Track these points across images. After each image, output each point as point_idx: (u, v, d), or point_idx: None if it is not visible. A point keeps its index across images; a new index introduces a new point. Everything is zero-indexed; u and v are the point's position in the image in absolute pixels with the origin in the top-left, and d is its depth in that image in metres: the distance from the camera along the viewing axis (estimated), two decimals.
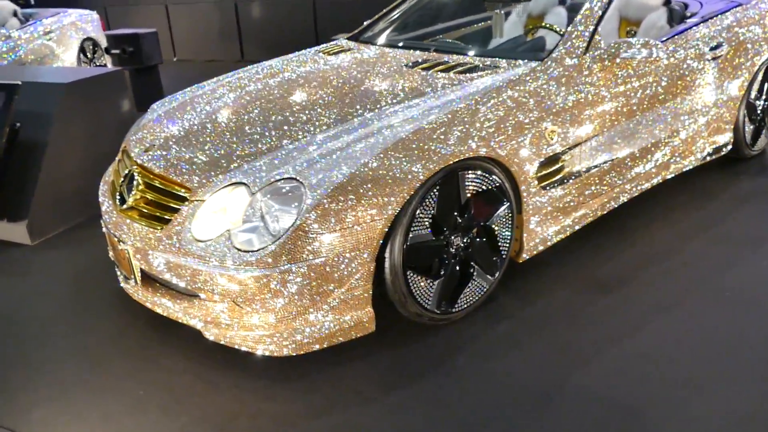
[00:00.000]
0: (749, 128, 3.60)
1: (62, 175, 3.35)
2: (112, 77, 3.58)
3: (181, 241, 2.04)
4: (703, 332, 2.22)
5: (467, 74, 2.54)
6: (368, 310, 2.08)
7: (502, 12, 3.48)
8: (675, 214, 3.13)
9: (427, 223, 2.11)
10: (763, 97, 3.64)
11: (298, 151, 2.13)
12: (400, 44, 3.23)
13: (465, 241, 2.25)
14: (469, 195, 2.22)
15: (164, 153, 2.32)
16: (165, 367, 2.18)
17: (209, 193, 2.06)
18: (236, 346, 2.07)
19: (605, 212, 2.82)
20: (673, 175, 3.18)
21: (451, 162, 2.11)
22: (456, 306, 2.28)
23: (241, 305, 2.00)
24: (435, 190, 2.10)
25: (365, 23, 3.66)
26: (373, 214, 1.96)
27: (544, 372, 2.06)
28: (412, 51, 2.99)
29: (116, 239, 2.27)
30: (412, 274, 2.12)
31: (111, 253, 2.49)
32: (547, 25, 3.10)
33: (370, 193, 1.96)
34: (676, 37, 3.06)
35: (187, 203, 2.09)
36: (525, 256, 2.48)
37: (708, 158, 3.40)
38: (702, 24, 3.25)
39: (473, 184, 2.21)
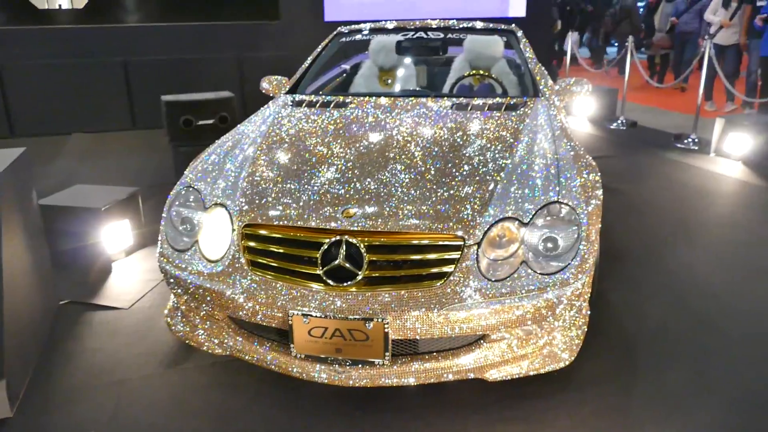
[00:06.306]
0: None
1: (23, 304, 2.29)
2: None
3: (475, 288, 1.95)
4: None
5: (516, 110, 2.96)
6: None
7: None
8: None
9: None
10: None
11: (508, 183, 2.24)
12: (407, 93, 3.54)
13: None
14: None
15: (375, 210, 2.07)
16: None
17: (479, 235, 2.03)
18: (524, 375, 2.11)
19: None
20: None
21: None
22: None
23: (532, 332, 2.06)
24: None
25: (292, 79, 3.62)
26: (600, 213, 2.29)
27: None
28: (421, 99, 3.21)
29: (353, 320, 1.92)
30: None
31: (301, 344, 2.00)
32: (486, 73, 3.75)
33: (599, 195, 2.30)
34: None
35: (460, 251, 2.00)
36: None
37: None
38: None
39: None
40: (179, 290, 2.24)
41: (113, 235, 3.29)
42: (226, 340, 2.22)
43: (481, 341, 2.05)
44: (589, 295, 2.31)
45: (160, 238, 2.36)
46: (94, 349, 2.54)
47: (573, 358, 2.16)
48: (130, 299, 2.94)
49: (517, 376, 2.11)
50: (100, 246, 3.22)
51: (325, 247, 2.02)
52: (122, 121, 7.34)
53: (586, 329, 2.25)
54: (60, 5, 6.96)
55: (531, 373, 2.12)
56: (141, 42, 7.23)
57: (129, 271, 3.26)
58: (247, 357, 2.18)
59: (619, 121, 7.14)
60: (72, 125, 7.09)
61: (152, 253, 3.50)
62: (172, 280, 2.25)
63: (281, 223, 2.11)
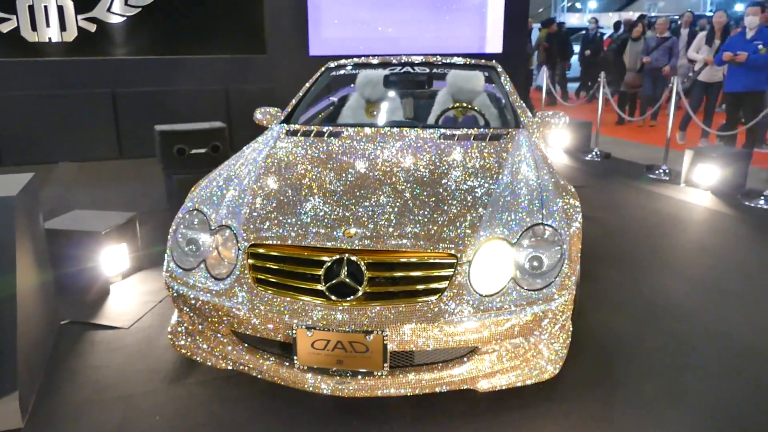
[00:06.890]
0: None
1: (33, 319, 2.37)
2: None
3: (467, 303, 2.10)
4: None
5: (500, 140, 3.18)
6: None
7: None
8: None
9: None
10: None
11: (496, 207, 2.40)
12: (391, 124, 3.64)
13: None
14: None
15: (374, 231, 2.23)
16: None
17: (471, 254, 2.18)
18: (512, 386, 2.24)
19: None
20: None
21: None
22: None
23: (520, 345, 2.21)
24: None
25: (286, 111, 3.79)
26: (580, 235, 2.48)
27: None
28: (409, 129, 3.39)
29: (354, 333, 2.05)
30: None
31: (307, 354, 2.13)
32: (470, 106, 3.97)
33: (579, 219, 2.49)
34: None
35: (454, 268, 2.15)
36: None
37: None
38: None
39: None
40: (185, 307, 2.35)
41: (111, 259, 3.38)
42: (229, 355, 2.32)
43: (473, 353, 2.19)
44: (571, 311, 2.48)
45: (166, 257, 2.47)
46: (97, 366, 2.61)
47: (557, 370, 2.31)
48: (129, 319, 3.02)
49: (505, 387, 2.24)
50: (99, 268, 3.30)
51: (328, 264, 2.16)
52: (109, 150, 7.44)
53: (569, 343, 2.40)
54: (50, 38, 7.09)
55: (518, 384, 2.25)
56: (129, 74, 7.38)
57: (127, 293, 3.34)
58: (250, 370, 2.28)
59: (594, 153, 7.44)
60: (59, 155, 7.16)
61: (149, 275, 3.59)
62: (177, 297, 2.36)
63: (286, 243, 2.25)
